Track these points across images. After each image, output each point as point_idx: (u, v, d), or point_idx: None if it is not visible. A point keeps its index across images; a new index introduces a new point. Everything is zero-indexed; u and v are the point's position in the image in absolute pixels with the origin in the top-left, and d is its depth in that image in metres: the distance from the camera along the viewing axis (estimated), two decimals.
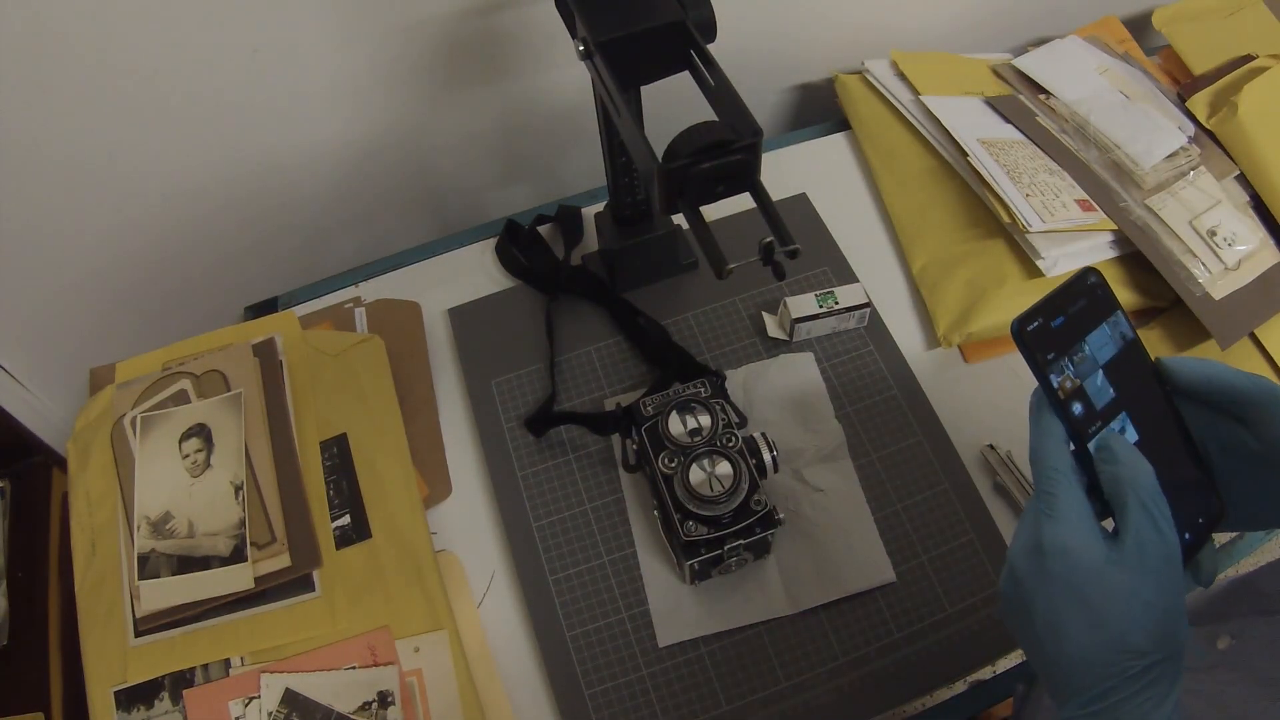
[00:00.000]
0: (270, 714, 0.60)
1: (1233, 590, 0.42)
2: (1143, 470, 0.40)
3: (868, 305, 0.75)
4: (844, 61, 0.95)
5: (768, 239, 0.51)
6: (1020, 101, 0.88)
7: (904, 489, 0.69)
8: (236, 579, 0.63)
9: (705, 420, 0.63)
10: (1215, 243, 0.77)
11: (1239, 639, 0.39)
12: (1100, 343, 0.43)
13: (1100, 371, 0.43)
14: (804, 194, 0.86)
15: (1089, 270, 0.44)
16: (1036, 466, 0.41)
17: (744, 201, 0.52)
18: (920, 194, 0.84)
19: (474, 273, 0.82)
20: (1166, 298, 0.77)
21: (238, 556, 0.63)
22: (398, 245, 0.86)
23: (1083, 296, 0.43)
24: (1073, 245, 0.76)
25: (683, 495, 0.60)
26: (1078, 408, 0.42)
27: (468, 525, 0.69)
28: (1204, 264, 0.76)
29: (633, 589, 0.66)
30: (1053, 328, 0.42)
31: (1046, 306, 0.42)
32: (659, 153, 0.51)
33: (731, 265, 0.51)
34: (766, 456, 0.62)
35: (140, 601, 0.62)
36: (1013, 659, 0.63)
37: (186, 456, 0.67)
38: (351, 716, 0.59)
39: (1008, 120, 0.86)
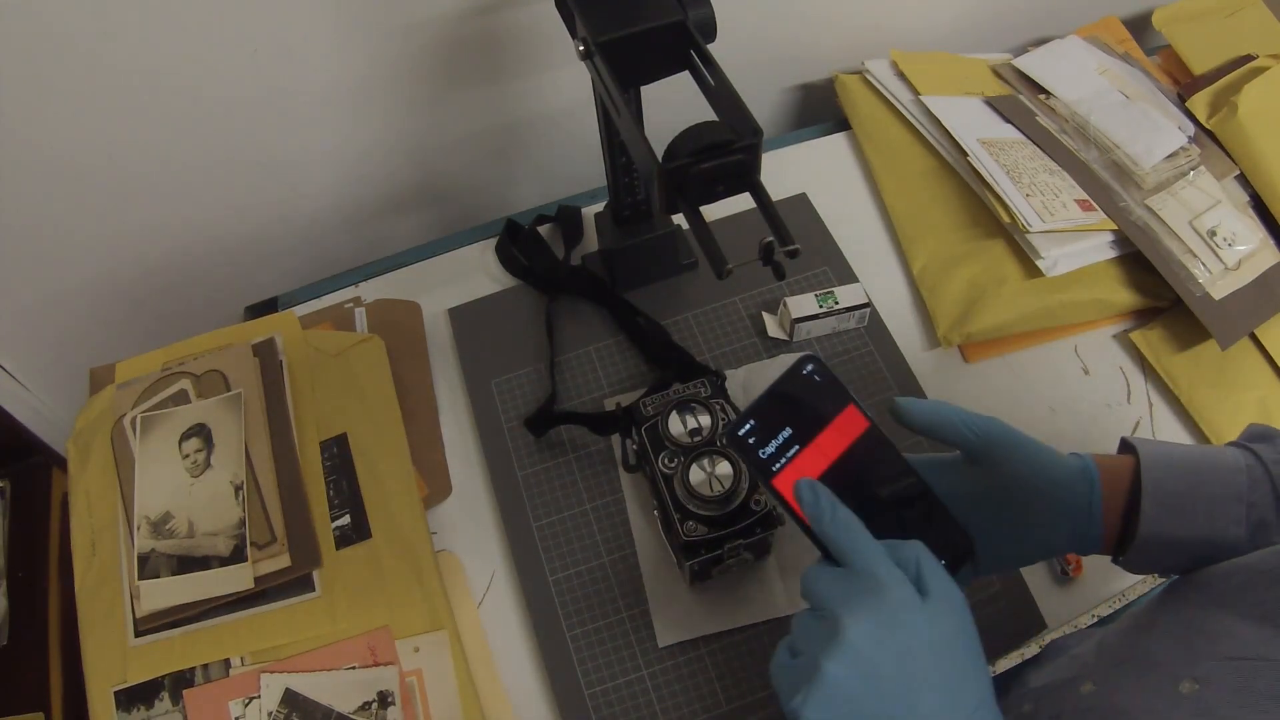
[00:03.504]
0: (270, 714, 0.60)
1: (1199, 631, 0.42)
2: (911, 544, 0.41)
3: (868, 305, 0.75)
4: (844, 61, 0.95)
5: (768, 239, 0.51)
6: (1020, 101, 0.88)
7: None
8: (236, 579, 0.63)
9: (705, 420, 0.63)
10: (1215, 243, 0.77)
11: (1204, 685, 0.39)
12: (823, 419, 0.44)
13: (818, 441, 0.44)
14: (804, 194, 0.86)
15: (805, 359, 0.45)
16: (850, 552, 0.40)
17: (744, 201, 0.52)
18: (920, 194, 0.84)
19: (474, 273, 0.82)
20: (1166, 298, 0.77)
21: (238, 556, 0.63)
22: (398, 245, 0.86)
23: (803, 387, 0.44)
24: (1073, 245, 0.76)
25: (683, 495, 0.60)
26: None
27: (468, 525, 0.69)
28: (1204, 264, 0.76)
29: (633, 589, 0.66)
30: (771, 423, 0.43)
31: (760, 408, 0.43)
32: (659, 153, 0.51)
33: (731, 265, 0.51)
34: None
35: (140, 601, 0.62)
36: (1012, 659, 0.63)
37: (186, 456, 0.67)
38: (351, 716, 0.59)
39: (1008, 120, 0.86)
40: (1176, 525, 0.46)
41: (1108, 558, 0.49)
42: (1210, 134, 0.85)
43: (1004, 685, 0.58)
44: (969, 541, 0.45)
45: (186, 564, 0.63)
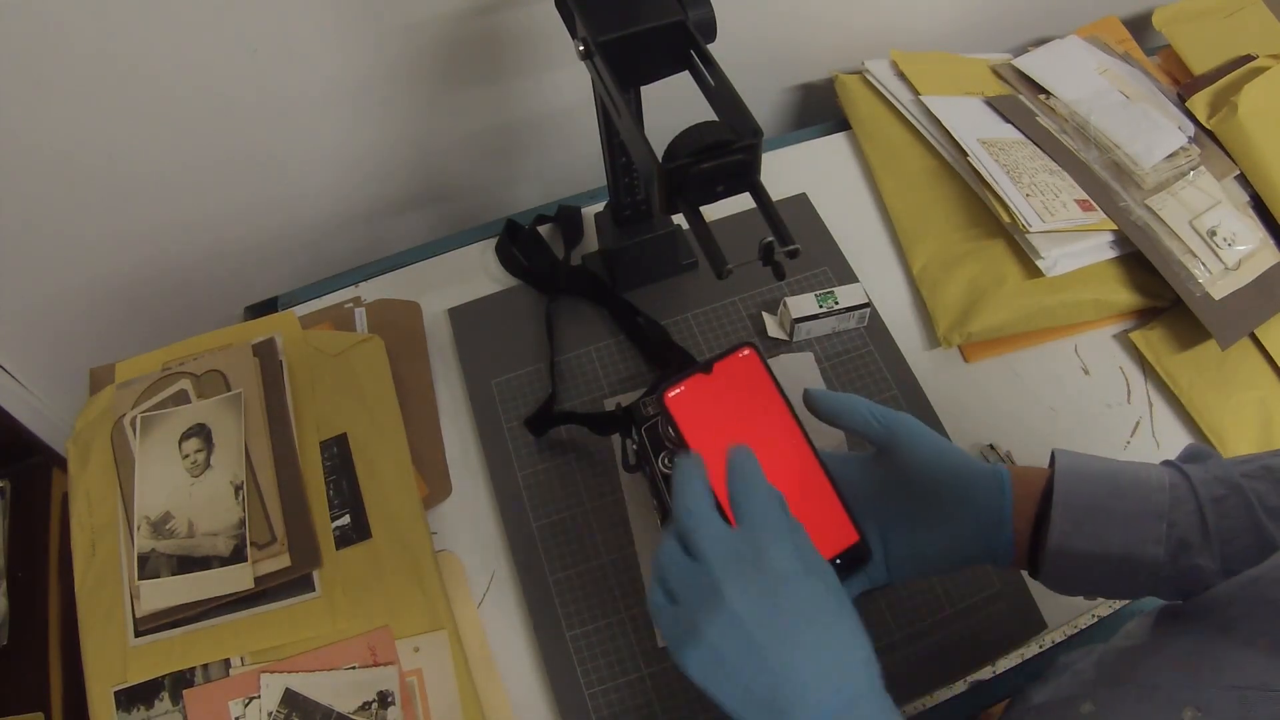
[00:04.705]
0: (270, 714, 0.60)
1: (1201, 657, 0.42)
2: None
3: (868, 305, 0.75)
4: (844, 61, 0.95)
5: (768, 239, 0.51)
6: (1020, 101, 0.88)
7: None
8: (236, 579, 0.63)
9: None
10: (1215, 243, 0.77)
11: (1206, 712, 0.39)
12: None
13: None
14: (804, 194, 0.86)
15: (744, 345, 0.50)
16: (745, 512, 0.43)
17: (744, 201, 0.52)
18: (920, 194, 0.84)
19: (474, 273, 0.82)
20: (1166, 298, 0.77)
21: (238, 556, 0.63)
22: (398, 245, 0.86)
23: (737, 368, 0.50)
24: (1073, 245, 0.76)
25: None
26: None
27: (468, 525, 0.69)
28: (1204, 264, 0.76)
29: (633, 589, 0.66)
30: (701, 394, 0.48)
31: (689, 378, 0.49)
32: (659, 153, 0.51)
33: (731, 265, 0.51)
34: None
35: (140, 601, 0.62)
36: (1013, 659, 0.63)
37: (186, 456, 0.67)
38: (351, 716, 0.59)
39: (1008, 120, 0.86)
40: (1089, 539, 0.46)
41: None
42: (1210, 134, 0.85)
43: (1008, 701, 0.58)
44: (865, 550, 0.47)
45: (186, 564, 0.63)
